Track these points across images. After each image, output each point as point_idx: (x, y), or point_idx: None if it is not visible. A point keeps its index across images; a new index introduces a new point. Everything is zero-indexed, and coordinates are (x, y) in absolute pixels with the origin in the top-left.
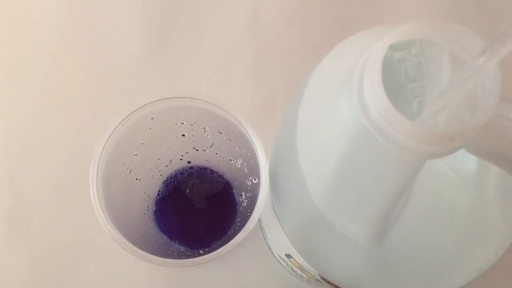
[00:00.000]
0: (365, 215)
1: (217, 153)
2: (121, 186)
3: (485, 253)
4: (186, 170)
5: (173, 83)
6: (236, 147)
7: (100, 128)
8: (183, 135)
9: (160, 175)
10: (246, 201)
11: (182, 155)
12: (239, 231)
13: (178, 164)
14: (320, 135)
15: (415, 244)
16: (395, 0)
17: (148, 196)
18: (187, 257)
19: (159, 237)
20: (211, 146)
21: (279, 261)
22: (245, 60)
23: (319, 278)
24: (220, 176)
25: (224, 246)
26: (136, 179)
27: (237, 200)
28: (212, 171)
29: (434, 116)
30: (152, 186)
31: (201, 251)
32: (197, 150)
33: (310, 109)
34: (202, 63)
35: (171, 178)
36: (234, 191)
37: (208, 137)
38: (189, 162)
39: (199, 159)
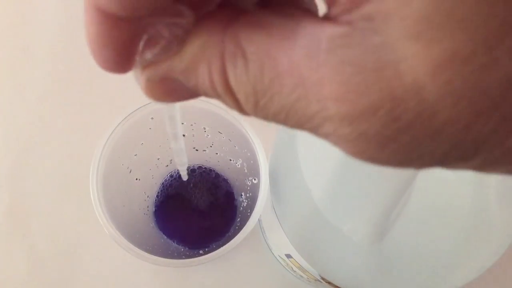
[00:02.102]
0: (365, 214)
1: (217, 153)
2: (121, 186)
3: (485, 253)
4: (186, 170)
5: None
6: (236, 147)
7: (100, 128)
8: (183, 135)
9: (160, 175)
10: (246, 201)
11: None
12: (239, 231)
13: None
14: None
15: (415, 244)
16: None
17: (148, 196)
18: (187, 257)
19: (159, 237)
20: (211, 146)
21: (279, 261)
22: None
23: (319, 278)
24: (220, 176)
25: (224, 246)
26: (136, 179)
27: (237, 200)
28: (212, 171)
29: None
30: (152, 186)
31: (201, 251)
32: (197, 150)
33: None
34: None
35: (171, 178)
36: (234, 191)
37: (208, 137)
38: (189, 162)
39: (199, 159)
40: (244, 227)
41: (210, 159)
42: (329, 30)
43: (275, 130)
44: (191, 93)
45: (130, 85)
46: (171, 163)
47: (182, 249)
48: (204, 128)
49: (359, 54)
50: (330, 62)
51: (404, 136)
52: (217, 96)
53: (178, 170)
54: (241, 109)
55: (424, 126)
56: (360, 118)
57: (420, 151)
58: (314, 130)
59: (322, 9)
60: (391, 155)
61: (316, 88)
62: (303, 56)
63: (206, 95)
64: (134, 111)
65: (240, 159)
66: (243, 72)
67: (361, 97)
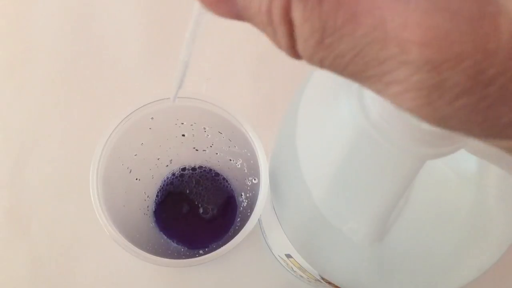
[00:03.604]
0: (365, 214)
1: (217, 153)
2: (121, 186)
3: (485, 253)
4: (186, 170)
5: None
6: (236, 147)
7: (100, 128)
8: (183, 135)
9: (160, 175)
10: (246, 201)
11: (182, 155)
12: (239, 231)
13: (178, 164)
14: (320, 135)
15: (416, 245)
16: None
17: (148, 196)
18: (187, 257)
19: (159, 237)
20: (211, 146)
21: (279, 261)
22: (245, 60)
23: (319, 278)
24: (219, 176)
25: (224, 246)
26: (136, 179)
27: (237, 200)
28: (212, 171)
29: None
30: (152, 186)
31: (201, 251)
32: (197, 150)
33: (310, 109)
34: (202, 63)
35: (171, 178)
36: (234, 191)
37: (208, 137)
38: (189, 162)
39: (199, 159)
40: (244, 227)
41: (210, 159)
42: None
43: (275, 130)
44: (237, 14)
45: (130, 85)
46: (171, 163)
47: (182, 249)
48: (204, 128)
49: (457, 1)
50: (422, 7)
51: (479, 91)
52: (264, 24)
53: (178, 169)
54: (291, 45)
55: (503, 85)
56: (443, 66)
57: (486, 114)
58: (379, 76)
59: None
60: (456, 112)
61: (398, 31)
62: None
63: (251, 20)
64: (134, 111)
65: (240, 159)
66: (315, 4)
67: (451, 44)
